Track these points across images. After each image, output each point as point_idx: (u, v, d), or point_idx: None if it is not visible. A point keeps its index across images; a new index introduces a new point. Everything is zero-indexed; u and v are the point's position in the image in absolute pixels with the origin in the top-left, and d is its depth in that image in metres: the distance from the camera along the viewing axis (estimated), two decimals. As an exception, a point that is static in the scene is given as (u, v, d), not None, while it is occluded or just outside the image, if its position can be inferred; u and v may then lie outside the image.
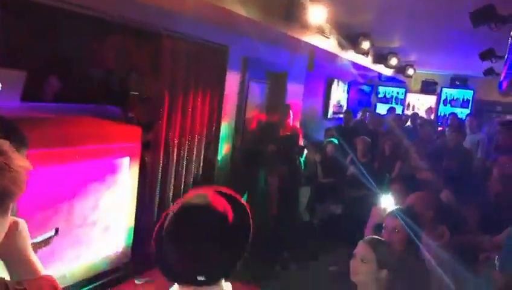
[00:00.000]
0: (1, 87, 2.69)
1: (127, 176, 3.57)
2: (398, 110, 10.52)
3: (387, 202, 3.16)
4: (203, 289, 1.32)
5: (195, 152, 4.24)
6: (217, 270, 1.34)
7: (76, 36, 3.48)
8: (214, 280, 1.34)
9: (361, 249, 2.18)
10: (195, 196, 1.35)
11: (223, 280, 1.37)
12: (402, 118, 9.15)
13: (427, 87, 11.17)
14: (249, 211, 1.41)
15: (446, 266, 2.69)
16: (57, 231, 2.05)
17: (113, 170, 3.44)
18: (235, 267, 1.37)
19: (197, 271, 1.31)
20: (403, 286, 2.08)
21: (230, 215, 1.32)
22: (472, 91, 10.64)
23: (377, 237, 2.29)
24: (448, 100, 10.97)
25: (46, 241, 2.05)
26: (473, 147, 7.13)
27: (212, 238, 1.29)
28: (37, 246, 1.98)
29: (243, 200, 1.43)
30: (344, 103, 9.68)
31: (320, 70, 7.65)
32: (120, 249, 3.61)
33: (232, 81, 4.94)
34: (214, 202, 1.32)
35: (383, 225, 2.64)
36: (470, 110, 10.47)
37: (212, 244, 1.29)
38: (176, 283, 1.38)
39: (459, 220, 4.04)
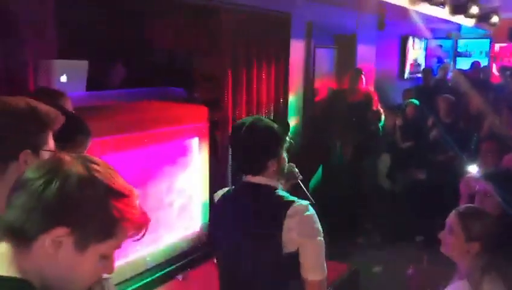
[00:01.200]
0: (67, 79, 2.74)
1: (197, 156, 3.55)
2: (484, 63, 9.64)
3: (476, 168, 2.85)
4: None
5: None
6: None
7: (134, 19, 3.48)
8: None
9: (449, 219, 2.01)
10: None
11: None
12: (486, 70, 8.39)
13: (516, 35, 10.13)
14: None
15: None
16: None
17: (183, 151, 3.43)
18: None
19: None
20: (498, 261, 1.84)
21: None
22: None
23: (471, 206, 2.05)
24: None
25: None
26: None
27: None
28: None
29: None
30: (422, 61, 9.05)
31: (393, 28, 7.16)
32: (198, 229, 3.63)
33: (297, 49, 4.72)
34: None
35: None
36: None
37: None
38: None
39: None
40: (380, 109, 5.57)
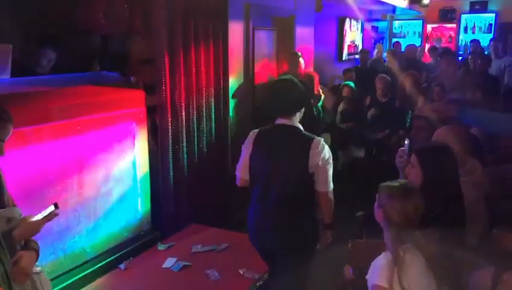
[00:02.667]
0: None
1: (135, 141, 3.46)
2: (417, 44, 10.02)
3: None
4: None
5: (204, 111, 4.07)
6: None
7: (62, 2, 3.29)
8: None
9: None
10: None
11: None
12: (418, 50, 8.74)
13: (446, 16, 10.58)
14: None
15: (479, 203, 2.52)
16: (56, 205, 2.00)
17: (120, 137, 3.33)
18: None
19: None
20: (413, 232, 1.93)
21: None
22: (494, 14, 10.02)
23: (396, 181, 2.10)
24: (469, 27, 10.39)
25: (48, 217, 1.99)
26: (499, 72, 6.74)
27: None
28: (40, 223, 1.96)
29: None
30: (359, 43, 9.27)
31: (330, 10, 7.26)
32: (139, 217, 3.55)
33: (236, 31, 4.68)
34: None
35: None
36: (493, 34, 9.89)
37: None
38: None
39: (492, 152, 3.82)
40: (320, 90, 5.65)
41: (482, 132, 3.47)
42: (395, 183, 2.03)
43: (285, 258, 2.65)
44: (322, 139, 2.58)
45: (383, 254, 1.98)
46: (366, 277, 2.03)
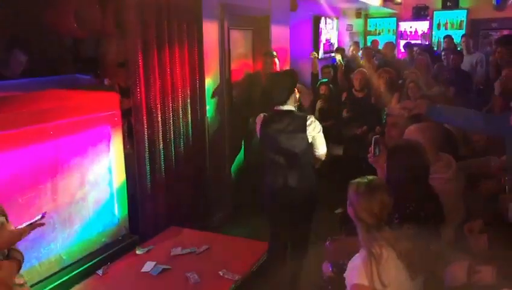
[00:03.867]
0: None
1: (111, 145, 3.40)
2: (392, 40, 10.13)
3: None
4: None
5: (181, 112, 4.03)
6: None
7: (31, 4, 3.22)
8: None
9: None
10: None
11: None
12: (394, 47, 8.85)
13: (419, 13, 10.73)
14: None
15: (455, 198, 2.56)
16: (43, 215, 1.99)
17: (94, 141, 3.27)
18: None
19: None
20: (384, 230, 1.94)
21: None
22: (465, 11, 10.21)
23: (365, 178, 2.11)
24: (441, 24, 10.57)
25: (32, 226, 1.97)
26: (470, 68, 6.88)
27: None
28: (21, 231, 1.94)
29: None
30: (335, 41, 9.32)
31: (305, 9, 7.28)
32: (116, 222, 3.50)
33: (211, 31, 4.65)
34: None
35: None
36: (465, 30, 10.08)
37: None
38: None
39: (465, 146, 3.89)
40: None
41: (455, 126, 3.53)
42: (363, 180, 2.02)
43: (296, 208, 3.38)
44: (313, 116, 3.40)
45: (359, 252, 1.98)
46: (344, 275, 2.04)
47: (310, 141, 3.33)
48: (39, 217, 2.02)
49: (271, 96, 3.40)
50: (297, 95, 3.54)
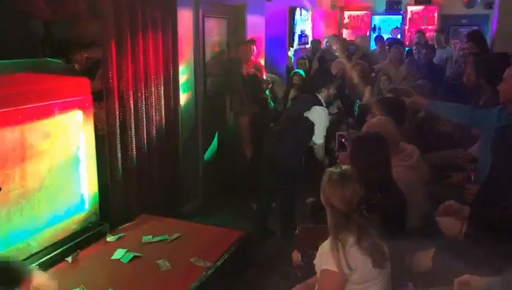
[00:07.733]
0: None
1: (81, 131, 3.35)
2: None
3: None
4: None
5: (154, 100, 3.99)
6: None
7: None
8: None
9: None
10: None
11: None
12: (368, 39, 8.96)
13: (392, 7, 10.87)
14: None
15: (415, 186, 2.62)
16: None
17: (64, 126, 3.21)
18: None
19: None
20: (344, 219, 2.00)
21: None
22: (437, 7, 10.41)
23: (338, 167, 2.16)
24: (413, 19, 10.74)
25: None
26: (441, 62, 7.02)
27: None
28: None
29: None
30: (309, 32, 9.35)
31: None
32: (86, 208, 3.45)
33: (185, 19, 4.60)
34: None
35: None
36: (436, 26, 10.27)
37: None
38: None
39: (432, 137, 4.00)
40: (268, 79, 5.70)
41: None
42: (337, 169, 2.08)
43: (288, 171, 4.13)
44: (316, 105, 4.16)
45: (328, 239, 2.03)
46: (314, 261, 2.08)
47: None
48: None
49: None
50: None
